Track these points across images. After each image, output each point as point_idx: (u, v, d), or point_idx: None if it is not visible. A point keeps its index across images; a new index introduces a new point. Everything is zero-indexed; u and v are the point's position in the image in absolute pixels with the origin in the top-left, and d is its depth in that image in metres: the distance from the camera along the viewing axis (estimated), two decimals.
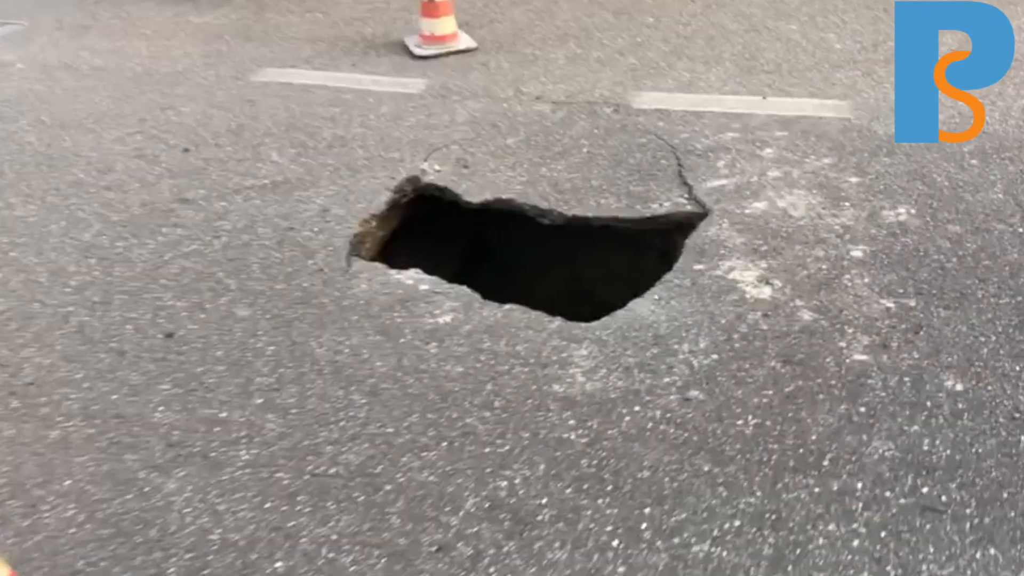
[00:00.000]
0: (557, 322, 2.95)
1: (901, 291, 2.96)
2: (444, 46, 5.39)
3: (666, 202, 3.64)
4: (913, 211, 3.42)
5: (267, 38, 5.90)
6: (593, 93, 4.71)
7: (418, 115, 4.56)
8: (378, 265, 3.33)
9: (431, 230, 4.28)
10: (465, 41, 5.51)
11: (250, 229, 3.55)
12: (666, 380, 2.63)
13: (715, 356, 2.71)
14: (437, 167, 4.02)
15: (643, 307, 2.98)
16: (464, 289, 3.17)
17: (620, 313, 2.97)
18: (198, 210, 3.72)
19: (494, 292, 3.19)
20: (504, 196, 3.80)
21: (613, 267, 4.66)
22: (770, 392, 2.56)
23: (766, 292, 3.00)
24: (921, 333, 2.76)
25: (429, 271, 3.31)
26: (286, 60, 5.47)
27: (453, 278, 3.29)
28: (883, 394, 2.53)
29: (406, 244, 4.10)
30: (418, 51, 5.40)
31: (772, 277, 3.07)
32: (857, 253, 3.17)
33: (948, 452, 2.33)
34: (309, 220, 3.59)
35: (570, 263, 4.58)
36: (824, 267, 3.10)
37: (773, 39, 5.31)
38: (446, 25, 5.41)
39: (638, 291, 3.11)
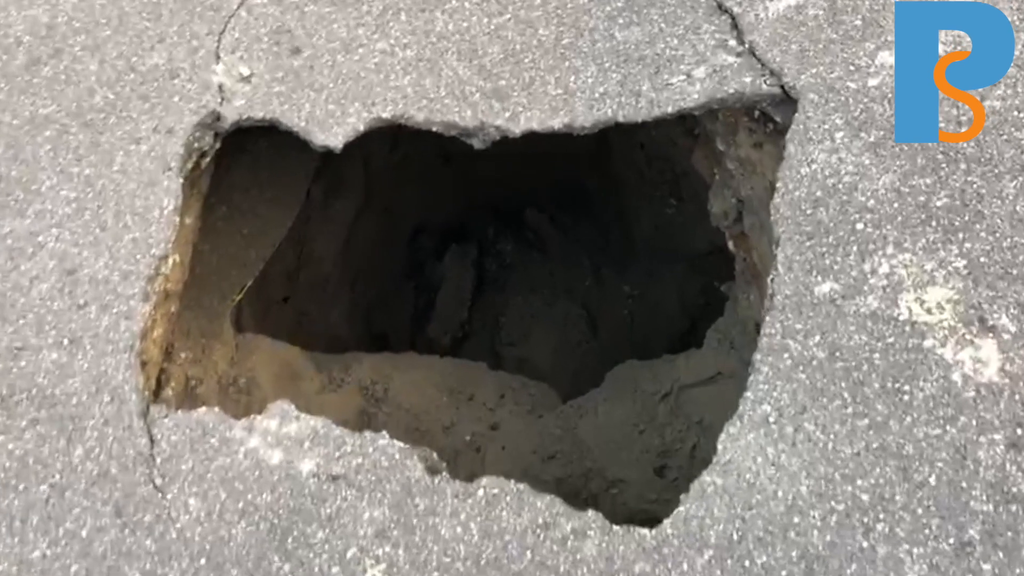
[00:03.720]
0: (595, 541, 1.46)
1: None
2: None
3: (697, 66, 1.85)
4: None
5: None
6: None
7: None
8: (205, 418, 1.71)
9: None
10: None
11: None
12: None
13: None
14: (244, 69, 2.09)
15: (752, 450, 1.46)
16: (383, 444, 1.62)
17: (712, 483, 1.46)
18: None
19: None
20: (386, 112, 1.99)
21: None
22: None
23: (991, 360, 1.44)
24: None
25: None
26: None
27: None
28: None
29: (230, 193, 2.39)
30: None
31: (988, 307, 1.48)
32: None
33: None
34: (48, 312, 1.84)
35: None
36: None
37: None
38: None
39: None
